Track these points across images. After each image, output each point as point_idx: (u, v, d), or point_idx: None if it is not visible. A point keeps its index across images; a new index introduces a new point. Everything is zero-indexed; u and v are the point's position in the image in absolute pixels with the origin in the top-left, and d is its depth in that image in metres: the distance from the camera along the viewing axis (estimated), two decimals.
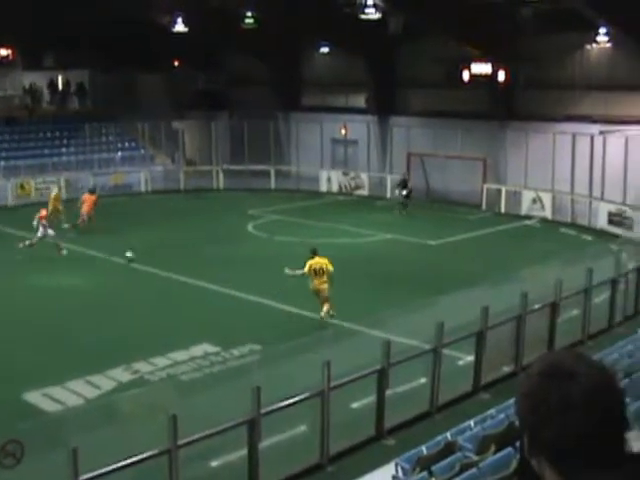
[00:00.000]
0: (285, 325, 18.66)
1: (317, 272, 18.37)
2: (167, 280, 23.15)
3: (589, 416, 1.90)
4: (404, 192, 33.94)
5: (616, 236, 26.29)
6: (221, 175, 41.38)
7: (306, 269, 18.42)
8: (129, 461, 10.19)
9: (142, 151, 42.91)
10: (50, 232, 25.88)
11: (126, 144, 43.06)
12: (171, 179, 40.96)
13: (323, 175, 41.30)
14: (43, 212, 26.47)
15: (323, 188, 40.88)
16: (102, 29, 38.40)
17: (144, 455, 10.35)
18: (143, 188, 40.27)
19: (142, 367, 16.10)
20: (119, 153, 42.13)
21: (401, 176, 35.96)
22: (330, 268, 18.51)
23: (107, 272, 24.33)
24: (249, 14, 38.19)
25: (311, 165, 41.74)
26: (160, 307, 20.56)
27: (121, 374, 15.78)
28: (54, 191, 31.74)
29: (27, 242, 25.76)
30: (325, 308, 18.50)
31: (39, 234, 25.63)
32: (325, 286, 18.43)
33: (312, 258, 18.59)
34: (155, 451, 10.44)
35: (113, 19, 37.55)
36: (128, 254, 24.42)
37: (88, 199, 30.04)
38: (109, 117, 42.04)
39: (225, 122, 44.51)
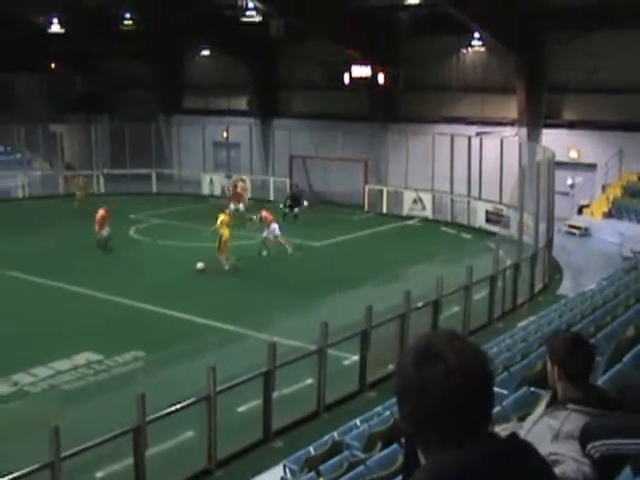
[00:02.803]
0: (168, 330, 18.43)
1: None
2: (46, 288, 22.45)
3: (443, 398, 2.03)
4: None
5: (493, 234, 27.01)
6: (102, 179, 40.61)
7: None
8: (9, 477, 9.80)
9: (18, 155, 41.62)
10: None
11: (1, 148, 41.66)
12: (50, 184, 39.88)
13: (205, 178, 41.04)
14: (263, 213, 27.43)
15: (205, 191, 40.63)
16: None
17: (25, 470, 9.99)
18: (20, 194, 39.16)
19: (22, 378, 15.58)
20: None
21: (290, 193, 34.71)
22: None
23: None
24: (127, 15, 37.62)
25: (193, 168, 41.44)
26: (40, 316, 19.89)
27: None
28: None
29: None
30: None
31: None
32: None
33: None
34: (36, 465, 10.11)
35: None
36: (199, 265, 23.80)
37: None
38: None
39: (105, 125, 43.69)
